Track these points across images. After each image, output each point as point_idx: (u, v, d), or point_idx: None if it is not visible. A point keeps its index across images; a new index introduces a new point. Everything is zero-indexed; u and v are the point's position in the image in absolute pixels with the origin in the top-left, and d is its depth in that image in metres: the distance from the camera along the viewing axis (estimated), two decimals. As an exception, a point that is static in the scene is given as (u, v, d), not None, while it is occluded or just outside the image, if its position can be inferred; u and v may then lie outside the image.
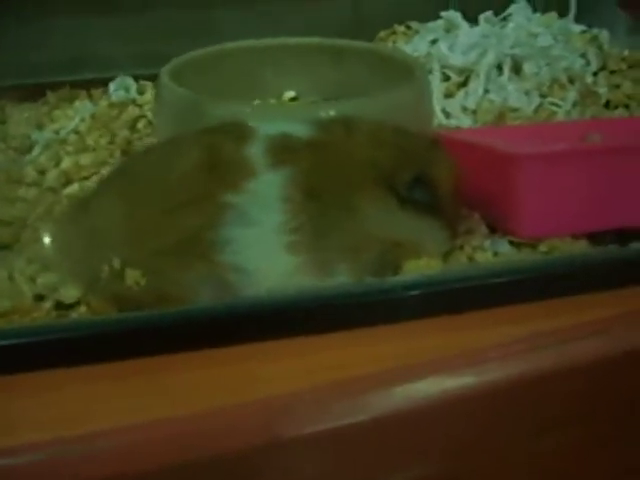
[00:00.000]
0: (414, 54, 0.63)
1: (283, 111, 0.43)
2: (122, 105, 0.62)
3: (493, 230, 0.44)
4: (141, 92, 0.66)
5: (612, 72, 0.60)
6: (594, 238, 0.44)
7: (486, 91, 0.56)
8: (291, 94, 0.56)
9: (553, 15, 0.67)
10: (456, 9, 0.69)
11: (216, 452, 0.33)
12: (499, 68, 0.58)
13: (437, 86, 0.57)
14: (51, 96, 0.66)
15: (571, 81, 0.57)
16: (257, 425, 0.33)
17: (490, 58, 0.56)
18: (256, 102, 0.55)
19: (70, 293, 0.38)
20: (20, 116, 0.62)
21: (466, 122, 0.55)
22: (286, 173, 0.37)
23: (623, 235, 0.45)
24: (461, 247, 0.43)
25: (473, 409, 0.37)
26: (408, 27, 0.70)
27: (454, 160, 0.42)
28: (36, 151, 0.52)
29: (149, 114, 0.60)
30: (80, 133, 0.56)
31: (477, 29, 0.62)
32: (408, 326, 0.38)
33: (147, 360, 0.36)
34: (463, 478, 0.38)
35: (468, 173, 0.42)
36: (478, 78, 0.56)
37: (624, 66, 0.61)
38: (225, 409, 0.34)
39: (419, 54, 0.62)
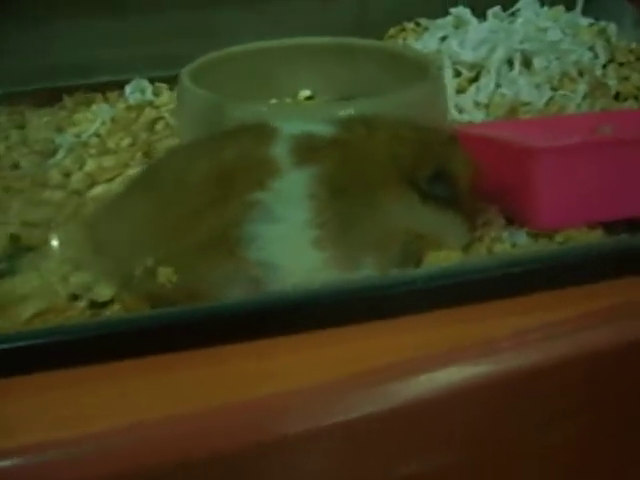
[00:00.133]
0: (424, 51, 0.64)
1: (303, 111, 0.44)
2: (139, 107, 0.63)
3: (510, 222, 0.46)
4: (157, 94, 0.67)
5: (621, 64, 0.61)
6: (608, 228, 0.45)
7: (497, 86, 0.57)
8: (306, 93, 0.57)
9: (560, 9, 0.68)
10: (465, 5, 0.70)
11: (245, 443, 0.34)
12: (509, 63, 0.60)
13: (449, 82, 0.58)
14: (68, 100, 0.68)
15: (581, 74, 0.58)
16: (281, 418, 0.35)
17: (500, 53, 0.58)
18: (273, 102, 0.56)
19: (103, 292, 0.39)
20: (39, 121, 0.63)
21: (478, 117, 0.56)
22: (311, 171, 0.38)
23: (635, 224, 0.46)
24: (480, 239, 0.44)
25: (488, 398, 0.38)
26: (417, 24, 0.71)
27: (471, 155, 0.43)
28: (60, 154, 0.53)
29: (167, 115, 0.62)
30: (101, 136, 0.57)
31: (486, 25, 0.63)
32: (429, 317, 0.39)
33: (180, 355, 0.37)
34: (476, 467, 0.39)
35: (484, 167, 0.44)
36: (489, 73, 0.57)
37: (632, 58, 0.62)
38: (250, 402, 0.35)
39: (429, 51, 0.63)
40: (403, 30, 0.71)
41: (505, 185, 0.45)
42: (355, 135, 0.40)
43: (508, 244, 0.43)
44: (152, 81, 0.69)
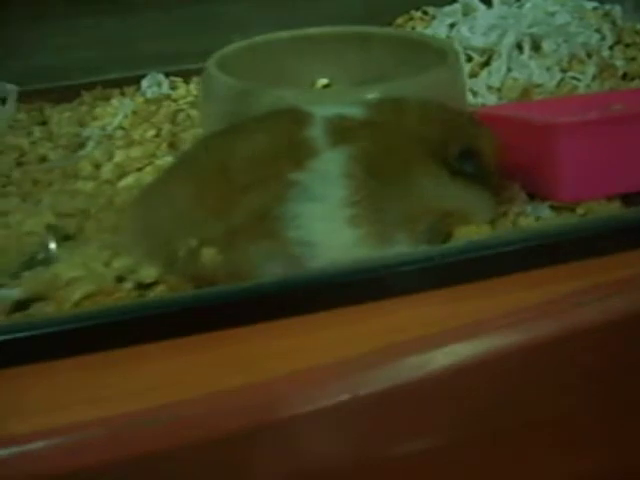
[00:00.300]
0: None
1: (332, 95, 0.46)
2: (157, 101, 0.65)
3: (531, 197, 0.48)
4: (173, 88, 0.68)
5: (627, 45, 0.63)
6: (625, 200, 0.47)
7: (509, 69, 0.59)
8: (324, 81, 0.58)
9: (564, -8, 0.70)
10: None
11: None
12: (519, 47, 0.61)
13: (461, 67, 0.60)
14: (86, 96, 0.69)
15: (589, 56, 0.60)
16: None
17: (511, 38, 0.59)
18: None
19: (149, 273, 0.40)
20: (60, 116, 0.64)
21: (492, 100, 0.57)
22: (346, 151, 0.39)
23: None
24: (505, 214, 0.45)
25: (513, 367, 0.39)
26: (424, 12, 0.73)
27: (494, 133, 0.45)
28: (90, 147, 0.55)
29: (185, 108, 0.63)
30: (125, 128, 0.58)
31: (495, 10, 0.65)
32: (461, 289, 0.41)
33: (226, 332, 0.39)
34: (497, 436, 0.41)
35: (504, 145, 0.45)
36: (500, 58, 0.59)
37: (638, 39, 0.64)
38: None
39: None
40: (411, 19, 0.73)
41: (526, 161, 0.46)
42: (386, 116, 0.41)
43: (532, 218, 0.45)
44: (168, 75, 0.71)
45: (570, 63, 0.60)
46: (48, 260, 0.47)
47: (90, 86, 0.75)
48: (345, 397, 0.36)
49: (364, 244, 0.41)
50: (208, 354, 0.37)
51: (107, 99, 0.68)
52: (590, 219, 0.45)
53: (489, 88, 0.58)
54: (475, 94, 0.58)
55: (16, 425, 0.33)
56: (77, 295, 0.40)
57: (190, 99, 0.64)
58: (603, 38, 0.63)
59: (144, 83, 0.69)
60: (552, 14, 0.63)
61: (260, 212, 0.39)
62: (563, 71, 0.59)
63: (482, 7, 0.67)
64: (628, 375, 0.42)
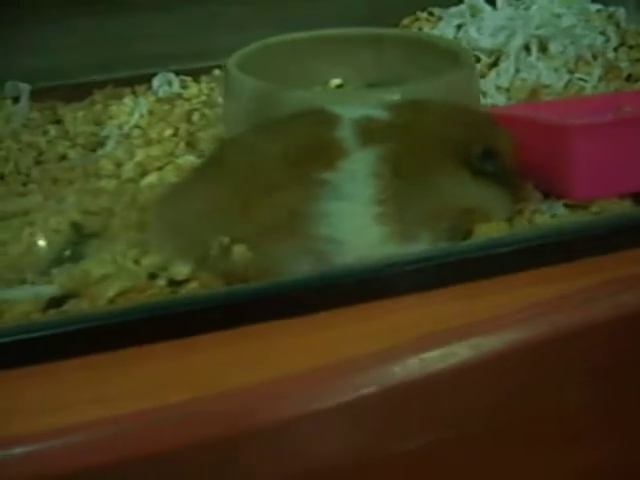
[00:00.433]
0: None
1: (355, 96, 0.47)
2: (169, 100, 0.66)
3: (545, 195, 0.49)
4: (184, 87, 0.69)
5: (631, 47, 0.65)
6: (637, 198, 0.49)
7: (517, 70, 0.60)
8: (337, 81, 0.60)
9: (568, -5, 0.71)
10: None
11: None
12: (526, 48, 0.63)
13: (470, 68, 0.61)
14: (98, 94, 0.69)
15: (594, 57, 0.62)
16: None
17: (519, 39, 0.61)
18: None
19: (181, 270, 0.41)
20: (74, 115, 0.64)
21: (501, 100, 0.59)
22: (374, 152, 0.41)
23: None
24: (520, 211, 0.47)
25: (526, 361, 0.41)
26: (430, 13, 0.74)
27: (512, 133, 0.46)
28: (110, 146, 0.55)
29: (199, 107, 0.64)
30: (142, 128, 0.59)
31: (502, 12, 0.66)
32: (479, 285, 0.43)
33: (256, 327, 0.40)
34: (506, 431, 0.42)
35: (519, 144, 0.47)
36: (508, 59, 0.61)
37: (642, 41, 0.65)
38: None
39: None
40: (417, 19, 0.74)
41: (540, 160, 0.48)
42: (409, 118, 0.43)
43: (547, 215, 0.46)
44: (179, 74, 0.72)
45: (576, 64, 0.62)
46: (76, 257, 0.48)
47: (98, 85, 0.76)
48: (369, 390, 0.38)
49: (389, 241, 0.42)
50: (241, 348, 0.39)
51: (118, 98, 0.69)
52: (603, 217, 0.46)
53: (498, 88, 0.59)
54: (484, 94, 0.59)
55: (62, 419, 0.35)
56: (111, 292, 0.41)
57: (203, 98, 0.65)
58: (607, 40, 0.65)
59: (155, 82, 0.69)
60: (558, 16, 0.65)
61: (291, 210, 0.41)
62: (570, 72, 0.61)
63: (488, 8, 0.69)
64: (638, 371, 0.44)
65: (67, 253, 0.48)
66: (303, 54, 0.58)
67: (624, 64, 0.62)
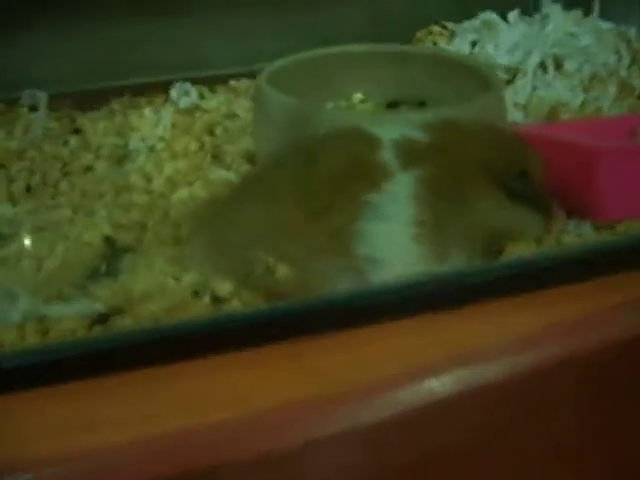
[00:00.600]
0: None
1: (392, 117, 0.48)
2: (189, 111, 0.66)
3: (570, 215, 0.50)
4: (202, 97, 0.69)
5: (643, 66, 0.67)
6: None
7: (534, 88, 0.62)
8: (359, 97, 0.61)
9: (578, 13, 0.73)
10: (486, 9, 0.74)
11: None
12: (542, 66, 0.64)
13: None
14: (115, 104, 0.70)
15: (609, 76, 0.63)
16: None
17: (536, 57, 0.62)
18: (330, 104, 0.60)
19: (224, 288, 0.42)
20: (94, 126, 0.65)
21: (518, 117, 0.60)
22: (415, 173, 0.42)
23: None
24: (549, 231, 0.48)
25: (557, 377, 0.42)
26: (443, 27, 0.75)
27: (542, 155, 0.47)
28: (138, 159, 0.56)
29: (220, 119, 0.64)
30: (166, 140, 0.60)
31: (517, 29, 0.68)
32: (512, 302, 0.44)
33: (298, 343, 0.41)
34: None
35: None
36: (525, 76, 0.62)
37: (654, 60, 0.67)
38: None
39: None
40: (430, 33, 0.75)
41: (567, 180, 0.49)
42: (447, 139, 0.44)
43: (574, 235, 0.48)
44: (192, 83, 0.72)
45: (591, 83, 0.63)
46: (111, 272, 0.48)
47: (111, 91, 0.76)
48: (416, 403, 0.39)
49: (425, 260, 0.43)
50: (282, 365, 0.40)
51: (136, 107, 0.69)
52: (629, 236, 0.48)
53: (515, 105, 0.61)
54: (502, 111, 0.60)
55: (109, 435, 0.35)
56: (156, 309, 0.42)
57: (224, 111, 0.66)
58: (619, 59, 0.66)
59: (173, 93, 0.69)
60: (573, 34, 0.67)
61: (334, 231, 0.42)
62: (585, 90, 0.62)
63: (502, 24, 0.70)
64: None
65: (102, 267, 0.49)
66: (328, 69, 0.59)
67: (636, 82, 0.64)
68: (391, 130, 0.44)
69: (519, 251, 0.46)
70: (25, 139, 0.65)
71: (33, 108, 0.71)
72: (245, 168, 0.55)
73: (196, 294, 0.42)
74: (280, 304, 0.41)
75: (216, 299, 0.42)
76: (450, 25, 0.75)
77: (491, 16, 0.70)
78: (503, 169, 0.44)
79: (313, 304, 0.41)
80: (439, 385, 0.39)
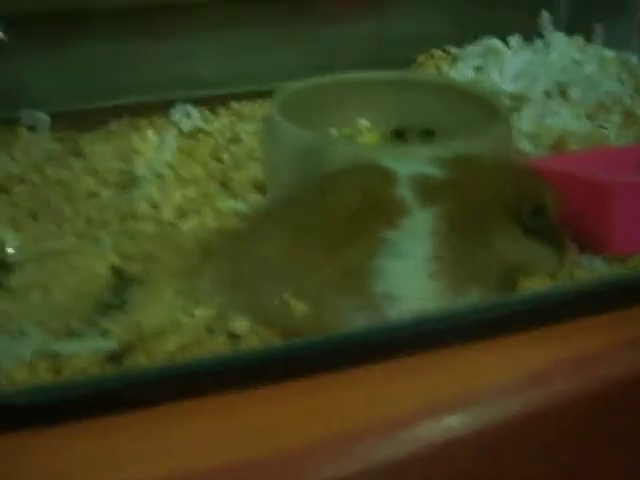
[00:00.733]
0: (460, 79, 0.68)
1: (405, 152, 0.47)
2: (192, 134, 0.66)
3: (582, 248, 0.50)
4: (204, 119, 0.69)
5: (645, 94, 0.67)
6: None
7: (540, 116, 0.62)
8: (365, 123, 0.60)
9: (580, 39, 0.73)
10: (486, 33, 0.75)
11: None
12: (547, 94, 0.64)
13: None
14: (114, 124, 0.69)
15: (613, 104, 0.64)
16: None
17: (542, 85, 0.62)
18: (332, 130, 0.60)
19: (240, 324, 0.41)
20: (96, 148, 0.64)
21: (525, 146, 0.60)
22: (433, 210, 0.42)
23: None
24: (562, 265, 0.48)
25: (577, 410, 0.42)
26: (445, 51, 0.75)
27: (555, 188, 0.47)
28: (146, 185, 0.55)
29: (224, 143, 0.64)
30: (172, 165, 0.59)
31: (522, 56, 0.68)
32: (529, 335, 0.44)
33: (316, 379, 0.40)
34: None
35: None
36: (531, 103, 0.62)
37: (656, 88, 0.67)
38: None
39: (466, 79, 0.68)
40: (432, 57, 0.75)
41: (579, 213, 0.49)
42: (462, 175, 0.44)
43: (587, 269, 0.48)
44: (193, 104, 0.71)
45: (597, 111, 0.63)
46: (119, 304, 0.47)
47: (109, 110, 0.75)
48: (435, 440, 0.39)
49: (442, 296, 0.43)
50: (300, 402, 0.39)
51: (136, 129, 0.68)
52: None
53: (522, 134, 0.61)
54: (508, 139, 0.60)
55: (135, 472, 0.35)
56: (171, 346, 0.41)
57: (228, 135, 0.65)
58: (623, 86, 0.67)
59: (174, 114, 0.68)
60: (577, 62, 0.67)
61: (351, 267, 0.41)
62: (591, 119, 0.63)
63: (505, 49, 0.70)
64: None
65: (111, 299, 0.48)
66: (334, 96, 0.59)
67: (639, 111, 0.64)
68: (406, 165, 0.44)
69: (533, 285, 0.46)
70: (26, 161, 0.64)
71: (32, 128, 0.70)
72: (254, 197, 0.55)
73: (211, 331, 0.42)
74: (297, 340, 0.41)
75: (232, 335, 0.42)
76: (453, 49, 0.75)
77: (494, 42, 0.71)
78: (518, 204, 0.44)
79: (330, 340, 0.41)
80: (456, 421, 0.39)
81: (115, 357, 0.41)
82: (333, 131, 0.60)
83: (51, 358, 0.41)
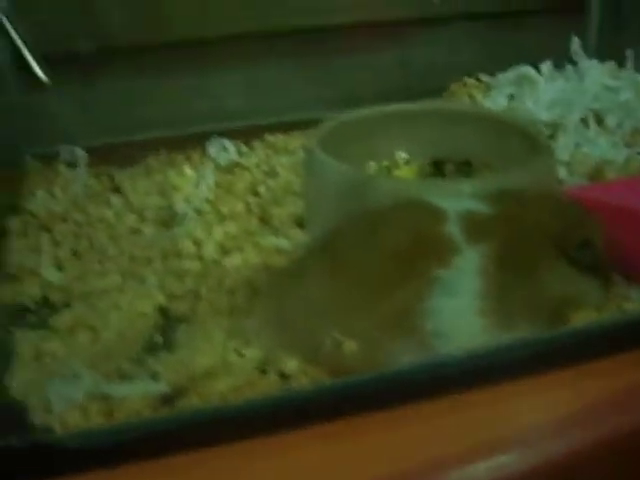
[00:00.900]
0: (494, 108, 0.68)
1: (449, 187, 0.48)
2: (229, 169, 0.66)
3: (630, 281, 0.50)
4: (239, 153, 0.69)
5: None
6: None
7: (576, 144, 0.62)
8: (403, 156, 0.61)
9: (613, 65, 0.73)
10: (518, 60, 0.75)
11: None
12: (583, 121, 0.64)
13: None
14: (152, 159, 0.70)
15: (651, 130, 0.64)
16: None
17: (577, 113, 0.62)
18: (371, 163, 0.60)
19: (291, 365, 0.42)
20: (134, 184, 0.64)
21: (562, 174, 0.60)
22: (482, 247, 0.42)
23: None
24: (609, 298, 0.48)
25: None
26: (478, 79, 0.75)
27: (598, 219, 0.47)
28: (187, 222, 0.55)
29: (261, 177, 0.64)
30: (211, 201, 0.59)
31: (556, 84, 0.68)
32: (580, 370, 0.43)
33: (366, 418, 0.40)
34: None
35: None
36: (566, 132, 0.62)
37: (688, 114, 0.67)
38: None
39: (500, 108, 0.68)
40: (465, 85, 0.75)
41: (621, 244, 0.49)
42: (509, 210, 0.43)
43: (637, 301, 0.47)
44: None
45: (633, 138, 0.63)
46: (167, 344, 0.48)
47: (141, 144, 0.76)
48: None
49: (490, 332, 0.43)
50: (350, 442, 0.39)
51: (173, 164, 0.69)
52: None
53: (558, 162, 0.61)
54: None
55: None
56: (222, 387, 0.41)
57: (264, 168, 0.66)
58: (657, 112, 0.66)
59: (211, 149, 0.69)
60: (611, 89, 0.67)
61: (403, 308, 0.41)
62: (628, 146, 0.62)
63: (537, 76, 0.70)
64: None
65: (158, 339, 0.48)
66: (372, 129, 0.59)
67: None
68: (452, 201, 0.44)
69: (582, 319, 0.46)
70: (66, 199, 0.65)
71: (70, 164, 0.71)
72: (294, 232, 0.55)
73: (262, 371, 0.42)
74: (348, 379, 0.41)
75: (282, 375, 0.42)
76: (484, 77, 0.75)
77: (527, 69, 0.71)
78: (564, 237, 0.43)
79: (380, 379, 0.41)
80: (506, 461, 0.39)
81: (167, 399, 0.41)
82: (372, 164, 0.61)
83: (103, 400, 0.41)
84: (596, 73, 0.69)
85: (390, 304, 0.41)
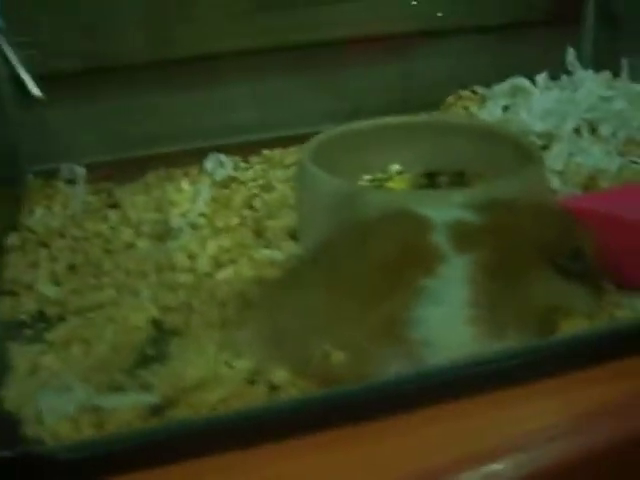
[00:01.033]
0: (489, 119, 0.69)
1: (439, 197, 0.48)
2: (225, 184, 0.67)
3: (620, 288, 0.50)
4: (235, 168, 0.70)
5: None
6: None
7: (570, 154, 0.62)
8: (397, 168, 0.61)
9: (607, 75, 0.73)
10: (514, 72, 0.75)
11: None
12: (576, 131, 0.64)
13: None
14: (150, 176, 0.70)
15: (643, 140, 0.64)
16: None
17: (571, 122, 0.62)
18: (365, 176, 0.61)
19: (280, 376, 0.42)
20: (132, 199, 0.65)
21: (555, 183, 0.60)
22: (469, 256, 0.42)
23: None
24: (601, 306, 0.48)
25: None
26: (473, 92, 0.76)
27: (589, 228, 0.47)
28: (182, 236, 0.56)
29: (257, 191, 0.65)
30: (206, 215, 0.60)
31: (550, 94, 0.68)
32: (570, 378, 0.43)
33: (356, 429, 0.40)
34: None
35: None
36: (560, 142, 0.62)
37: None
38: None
39: (495, 119, 0.68)
40: (460, 98, 0.76)
41: (612, 253, 0.49)
42: (498, 220, 0.44)
43: (628, 309, 0.47)
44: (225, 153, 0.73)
45: (627, 147, 0.63)
46: (160, 356, 0.48)
47: (140, 161, 0.77)
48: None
49: (478, 341, 0.43)
50: (339, 452, 0.39)
51: (171, 180, 0.70)
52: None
53: (552, 172, 0.61)
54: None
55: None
56: (213, 398, 0.41)
57: (261, 182, 0.66)
58: (651, 121, 0.67)
59: (208, 164, 0.70)
60: (605, 98, 0.67)
61: (389, 316, 0.41)
62: (621, 155, 0.63)
63: (532, 87, 0.71)
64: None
65: (151, 351, 0.49)
66: (365, 141, 0.60)
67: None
68: (441, 211, 0.44)
69: (573, 328, 0.46)
70: (65, 215, 0.66)
71: (70, 181, 0.72)
72: (287, 245, 0.55)
73: (251, 383, 0.42)
74: (336, 390, 0.41)
75: (271, 386, 0.42)
76: (480, 89, 0.76)
77: (521, 80, 0.71)
78: (554, 246, 0.44)
79: (369, 389, 0.41)
80: (498, 469, 0.39)
81: (157, 410, 0.41)
82: (366, 177, 0.61)
83: (94, 412, 0.41)
84: (591, 83, 0.69)
85: (378, 314, 0.41)
